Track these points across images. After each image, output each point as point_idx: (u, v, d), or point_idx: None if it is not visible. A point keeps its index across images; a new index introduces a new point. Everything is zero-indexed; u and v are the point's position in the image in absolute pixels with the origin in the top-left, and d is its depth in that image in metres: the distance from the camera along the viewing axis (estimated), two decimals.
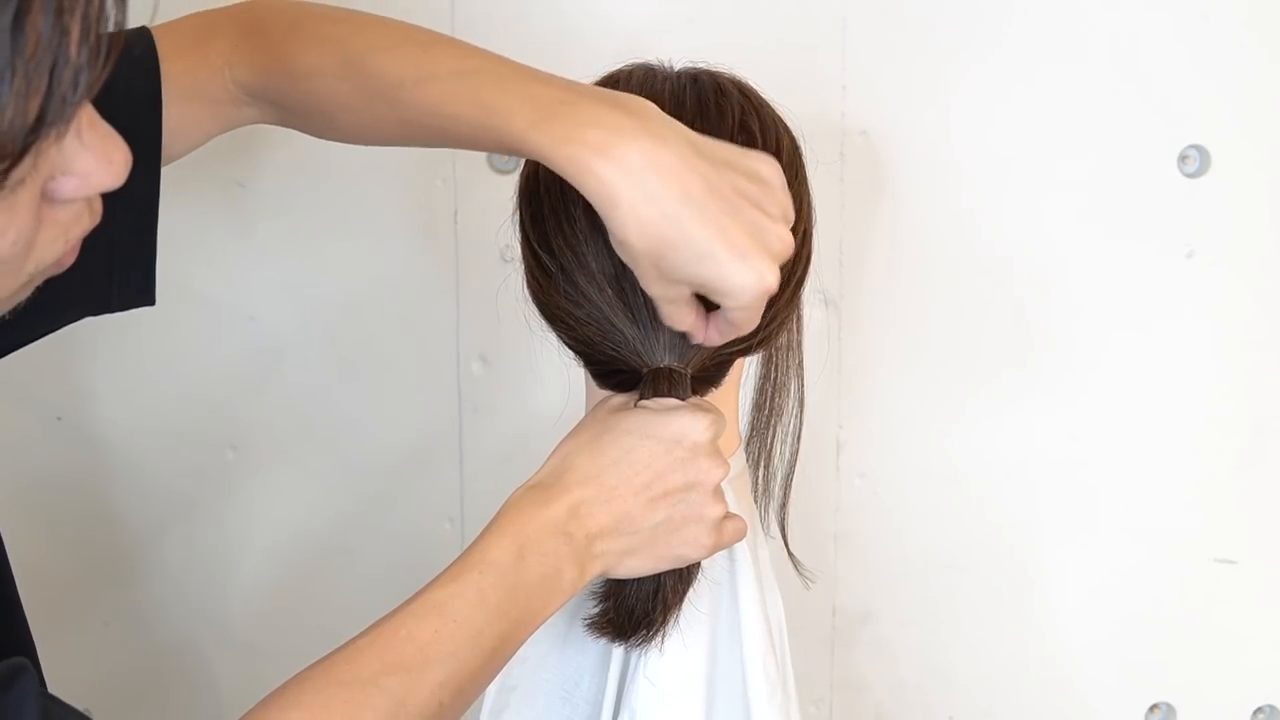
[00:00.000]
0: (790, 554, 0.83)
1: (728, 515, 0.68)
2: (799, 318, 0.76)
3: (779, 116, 0.73)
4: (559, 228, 0.68)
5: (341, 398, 1.14)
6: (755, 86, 0.73)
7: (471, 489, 1.14)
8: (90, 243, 0.48)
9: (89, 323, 0.74)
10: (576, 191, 0.60)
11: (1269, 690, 1.14)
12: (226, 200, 1.10)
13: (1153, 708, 1.15)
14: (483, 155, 1.07)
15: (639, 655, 0.70)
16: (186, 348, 1.13)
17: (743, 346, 0.70)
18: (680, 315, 0.65)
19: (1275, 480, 1.11)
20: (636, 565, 0.67)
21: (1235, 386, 1.09)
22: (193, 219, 1.08)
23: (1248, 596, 1.12)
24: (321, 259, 1.11)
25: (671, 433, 0.66)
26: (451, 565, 0.63)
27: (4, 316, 0.47)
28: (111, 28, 0.39)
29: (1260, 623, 1.13)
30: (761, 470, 0.80)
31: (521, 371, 1.12)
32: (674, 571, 0.68)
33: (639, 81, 0.71)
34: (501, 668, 0.65)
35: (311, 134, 0.75)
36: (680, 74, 0.72)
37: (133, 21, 0.41)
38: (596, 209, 0.60)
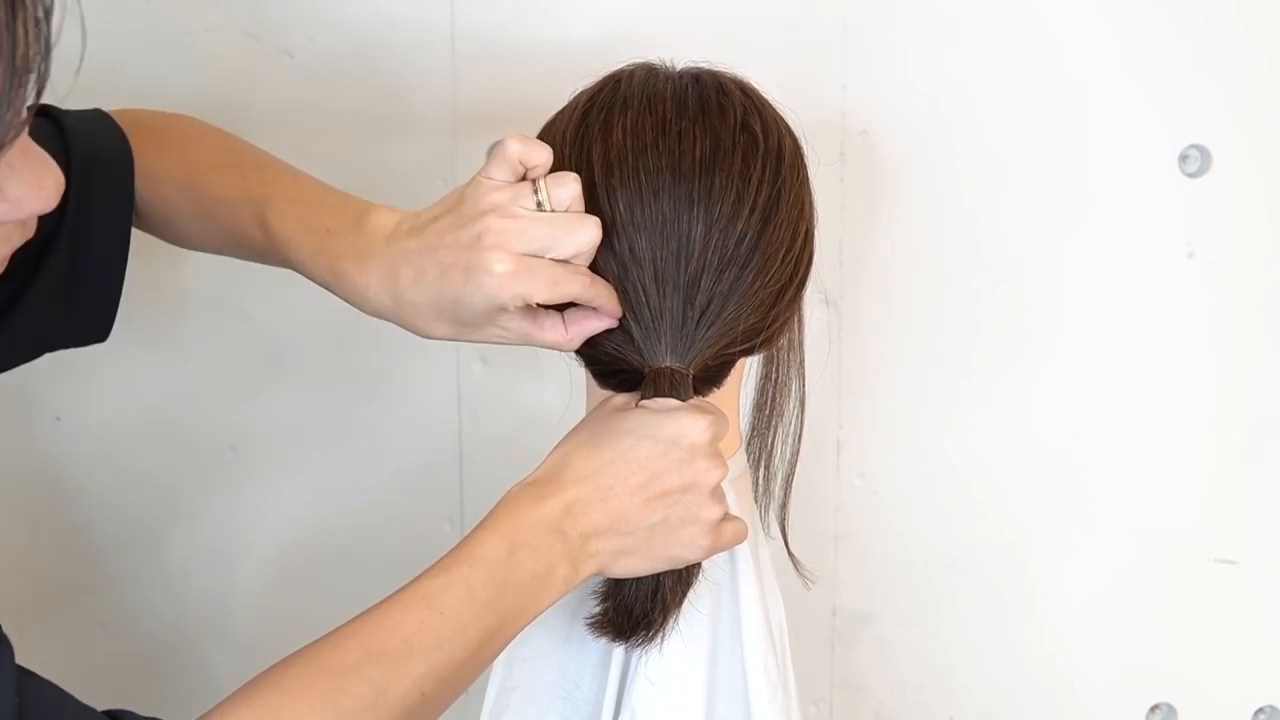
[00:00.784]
0: (790, 554, 0.83)
1: (727, 517, 0.68)
2: (800, 318, 0.76)
3: (780, 116, 0.73)
4: None
5: (342, 398, 1.14)
6: (757, 86, 0.73)
7: (471, 489, 1.14)
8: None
9: None
10: None
11: (1270, 691, 1.14)
12: None
13: (1153, 708, 1.14)
14: (482, 155, 1.07)
15: (639, 656, 0.70)
16: (187, 348, 1.13)
17: (745, 347, 0.70)
18: (527, 328, 0.67)
19: (1275, 480, 1.11)
20: (632, 565, 0.67)
21: (1235, 386, 1.09)
22: None
23: (1248, 597, 1.12)
24: None
25: (670, 433, 0.66)
26: (443, 558, 0.64)
27: None
28: (35, 80, 0.42)
29: (1261, 623, 1.13)
30: (762, 470, 0.80)
31: (521, 372, 1.11)
32: (673, 572, 0.68)
33: (640, 81, 0.71)
34: (489, 662, 0.65)
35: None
36: (682, 73, 0.72)
37: (55, 73, 0.44)
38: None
